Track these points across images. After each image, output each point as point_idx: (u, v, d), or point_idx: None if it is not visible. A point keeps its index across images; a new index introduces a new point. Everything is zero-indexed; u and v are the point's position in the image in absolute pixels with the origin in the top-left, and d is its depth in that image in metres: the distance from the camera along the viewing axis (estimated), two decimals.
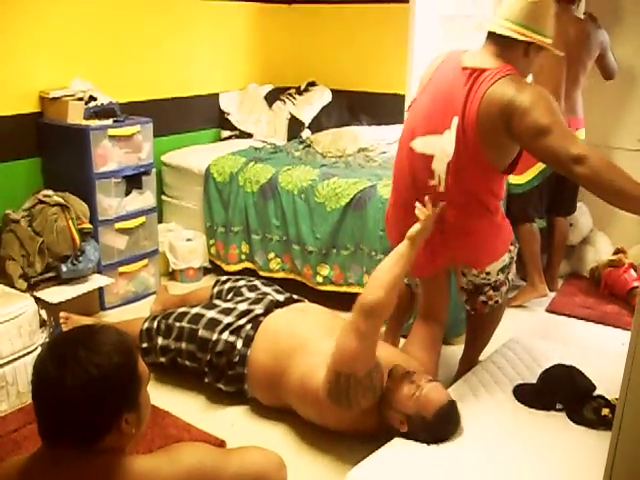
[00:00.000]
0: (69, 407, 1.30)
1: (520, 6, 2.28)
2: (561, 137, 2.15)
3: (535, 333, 3.35)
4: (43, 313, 3.01)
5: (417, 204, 2.40)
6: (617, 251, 4.08)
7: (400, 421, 2.28)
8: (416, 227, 2.34)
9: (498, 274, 2.64)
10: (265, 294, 3.02)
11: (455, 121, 2.30)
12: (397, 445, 2.24)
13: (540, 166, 3.63)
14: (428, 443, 2.21)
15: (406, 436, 2.26)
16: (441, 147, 2.35)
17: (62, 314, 3.15)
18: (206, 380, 2.80)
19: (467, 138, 2.29)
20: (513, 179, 3.65)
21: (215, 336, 2.75)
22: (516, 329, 3.37)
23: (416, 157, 2.45)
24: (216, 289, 3.24)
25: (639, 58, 4.05)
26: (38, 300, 3.06)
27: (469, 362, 2.91)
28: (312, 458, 2.44)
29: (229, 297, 3.10)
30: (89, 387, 1.29)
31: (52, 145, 3.61)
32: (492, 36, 2.35)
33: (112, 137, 3.52)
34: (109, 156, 3.52)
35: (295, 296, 3.07)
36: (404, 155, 2.53)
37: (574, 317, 3.69)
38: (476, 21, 2.38)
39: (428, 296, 2.74)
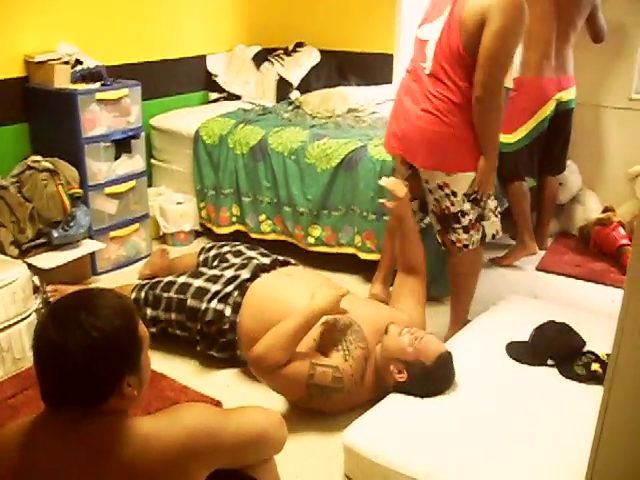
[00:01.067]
0: (71, 370, 1.30)
1: None
2: (500, 67, 2.49)
3: (526, 291, 3.39)
4: (36, 279, 3.01)
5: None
6: (606, 209, 4.11)
7: (399, 370, 2.32)
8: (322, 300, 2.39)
9: (464, 201, 2.72)
10: (250, 258, 3.02)
11: (447, 10, 2.54)
12: (392, 401, 2.28)
13: (530, 125, 3.63)
14: (422, 397, 2.25)
15: (401, 390, 2.30)
16: (432, 32, 2.61)
17: (49, 287, 3.16)
18: (198, 348, 2.82)
19: (452, 26, 2.52)
20: (503, 138, 3.62)
21: (204, 305, 2.75)
22: (507, 288, 3.42)
23: (417, 45, 2.71)
24: (202, 257, 3.24)
25: (628, 16, 4.03)
26: (30, 266, 3.05)
27: (458, 318, 2.96)
28: (308, 417, 2.47)
29: (215, 264, 3.10)
30: (91, 350, 1.30)
31: (39, 110, 3.57)
32: None
33: (100, 101, 3.48)
34: (97, 120, 3.49)
35: (281, 258, 3.08)
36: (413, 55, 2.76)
37: (564, 275, 3.74)
38: None
39: (403, 249, 2.84)
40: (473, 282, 2.98)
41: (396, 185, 2.73)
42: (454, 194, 2.72)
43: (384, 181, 2.77)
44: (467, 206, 2.75)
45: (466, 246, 2.83)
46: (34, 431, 1.38)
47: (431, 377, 2.29)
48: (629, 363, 1.30)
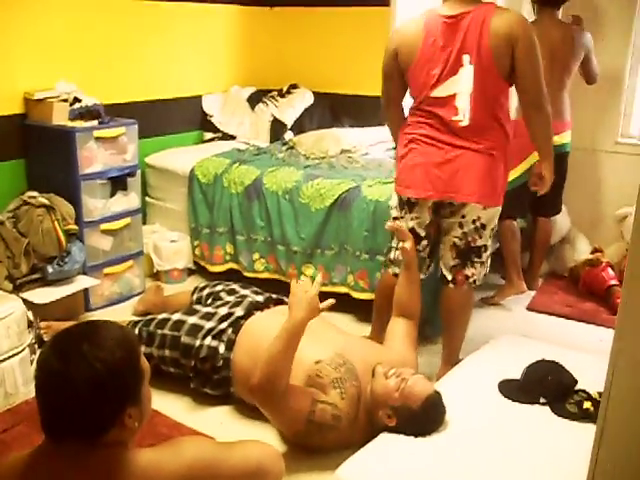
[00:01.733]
0: (73, 401, 1.32)
1: None
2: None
3: (516, 331, 3.41)
4: (30, 314, 3.01)
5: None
6: (595, 250, 4.17)
7: (388, 415, 2.33)
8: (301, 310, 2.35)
9: (490, 236, 2.84)
10: (244, 296, 3.05)
11: (466, 58, 2.62)
12: (384, 439, 2.29)
13: (522, 167, 3.69)
14: (415, 436, 2.26)
15: (393, 431, 2.31)
16: (461, 84, 2.66)
17: (42, 324, 3.18)
18: (192, 385, 2.82)
19: (484, 63, 2.61)
20: None
21: (198, 342, 2.77)
22: (498, 328, 3.44)
23: (438, 103, 2.71)
24: (195, 296, 3.27)
25: (619, 59, 4.15)
26: (24, 301, 3.05)
27: (450, 357, 2.98)
28: (300, 455, 2.46)
29: (209, 302, 3.12)
30: (93, 382, 1.31)
31: (37, 146, 3.61)
32: None
33: (97, 138, 3.53)
34: (94, 157, 3.53)
35: (274, 295, 3.10)
36: (426, 109, 2.75)
37: (554, 315, 3.78)
38: None
39: (403, 293, 2.87)
40: (467, 319, 3.01)
41: (404, 228, 2.80)
42: (483, 227, 2.80)
43: (393, 225, 2.82)
44: (490, 241, 2.86)
45: (474, 281, 2.90)
46: (35, 462, 1.39)
47: (420, 420, 2.29)
48: (621, 401, 1.33)
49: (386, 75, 2.89)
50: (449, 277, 2.90)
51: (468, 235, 2.81)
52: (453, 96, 2.68)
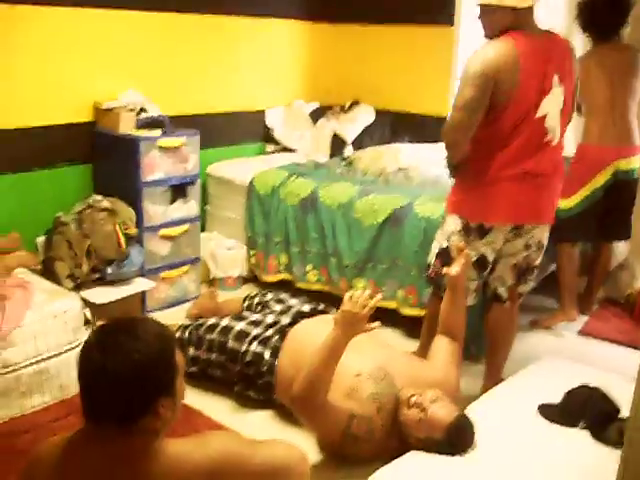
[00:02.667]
0: (110, 390, 1.40)
1: None
2: None
3: (566, 355, 3.36)
4: (87, 312, 3.15)
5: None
6: None
7: (416, 441, 2.37)
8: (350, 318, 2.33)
9: (543, 254, 2.90)
10: (291, 306, 3.13)
11: (556, 78, 2.60)
12: (415, 455, 2.30)
13: (584, 192, 3.63)
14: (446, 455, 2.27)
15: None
16: (553, 104, 2.63)
17: (99, 323, 3.30)
18: (236, 389, 2.91)
19: (571, 87, 2.68)
20: (560, 202, 3.66)
21: (244, 347, 2.85)
22: (546, 351, 3.41)
23: (535, 123, 2.63)
24: (246, 303, 3.38)
25: None
26: (83, 300, 3.20)
27: (494, 375, 2.98)
28: (335, 463, 2.52)
29: (258, 310, 3.21)
30: (129, 371, 1.39)
31: (103, 153, 3.78)
32: (528, 10, 2.59)
33: (161, 147, 3.67)
34: (157, 165, 3.67)
35: (321, 306, 3.16)
36: (515, 134, 2.63)
37: (607, 340, 3.72)
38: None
39: (449, 313, 2.84)
40: (513, 337, 3.03)
41: (466, 251, 2.74)
42: (543, 247, 2.87)
43: (460, 245, 2.74)
44: (542, 259, 2.93)
45: (521, 296, 2.96)
46: (73, 444, 1.48)
47: (445, 447, 2.30)
48: None
49: (473, 107, 2.57)
50: (505, 295, 2.90)
51: (530, 256, 2.84)
52: (544, 117, 2.62)
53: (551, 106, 2.62)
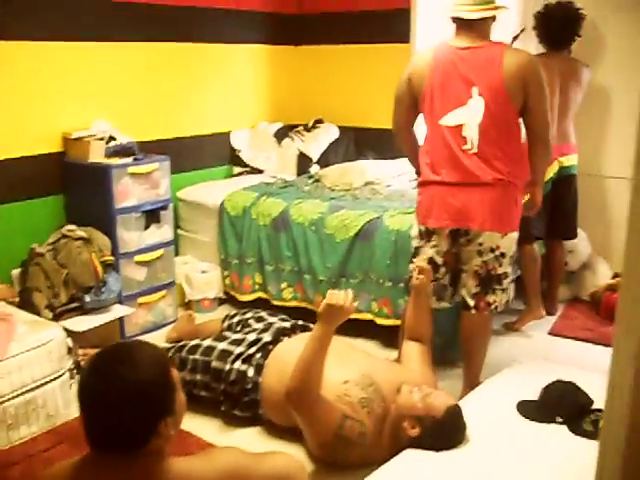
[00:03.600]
0: (113, 420, 1.44)
1: None
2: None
3: (538, 355, 3.48)
4: (69, 341, 3.17)
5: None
6: (615, 275, 4.25)
7: (412, 426, 2.43)
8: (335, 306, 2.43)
9: (510, 263, 2.94)
10: (271, 323, 3.19)
11: (475, 90, 2.76)
12: (407, 455, 2.38)
13: None
14: (437, 450, 2.36)
15: (416, 446, 2.41)
16: (469, 115, 2.79)
17: (81, 351, 3.34)
18: (222, 408, 2.95)
19: (497, 98, 2.75)
20: None
21: (227, 366, 2.91)
22: (520, 353, 3.52)
23: (448, 132, 2.84)
24: (225, 323, 3.42)
25: (623, 91, 4.28)
26: (63, 329, 3.22)
27: (471, 380, 3.07)
28: (326, 471, 2.58)
29: (238, 329, 3.27)
30: (131, 402, 1.43)
31: (74, 183, 3.81)
32: (465, 22, 2.80)
33: (132, 174, 3.72)
34: (129, 192, 3.72)
35: (300, 322, 3.24)
36: (435, 138, 2.90)
37: (575, 339, 3.85)
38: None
39: (416, 318, 2.98)
40: (486, 343, 3.12)
41: (428, 269, 2.92)
42: (503, 256, 2.91)
43: (419, 266, 2.92)
44: (510, 269, 2.97)
45: (496, 308, 3.01)
46: (80, 471, 1.50)
47: (442, 429, 2.40)
48: (620, 419, 1.42)
49: (397, 99, 3.03)
50: (471, 303, 3.00)
51: (488, 264, 2.92)
52: (461, 126, 2.81)
53: (468, 116, 2.79)
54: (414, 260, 3.04)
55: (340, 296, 2.44)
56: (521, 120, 2.90)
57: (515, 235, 2.96)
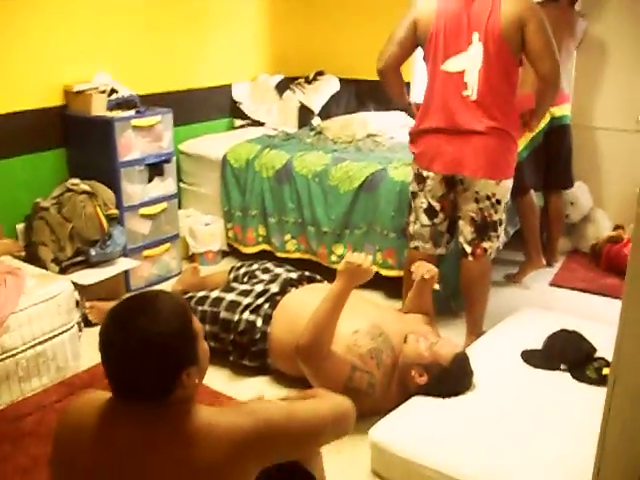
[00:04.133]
0: (135, 371, 1.42)
1: None
2: (555, 50, 2.83)
3: (540, 305, 3.53)
4: (76, 294, 3.20)
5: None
6: (616, 227, 4.28)
7: (419, 374, 2.48)
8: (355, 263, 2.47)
9: (504, 210, 2.99)
10: (278, 274, 3.21)
11: (475, 36, 2.78)
12: (415, 402, 2.44)
13: (527, 138, 3.83)
14: (444, 397, 2.41)
15: (424, 392, 2.46)
16: (470, 60, 2.82)
17: (87, 304, 3.37)
18: (231, 358, 2.99)
19: (495, 44, 2.77)
20: None
21: (236, 317, 2.94)
22: (522, 303, 3.56)
23: (449, 77, 2.87)
24: (232, 275, 3.43)
25: (622, 43, 4.25)
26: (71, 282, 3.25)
27: (474, 328, 3.14)
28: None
29: (245, 280, 3.29)
30: (151, 352, 1.41)
31: (77, 136, 3.79)
32: None
33: (135, 127, 3.70)
34: (132, 145, 3.71)
35: (307, 273, 3.26)
36: (435, 84, 2.94)
37: (576, 290, 3.90)
38: None
39: (415, 304, 3.00)
40: (487, 290, 3.17)
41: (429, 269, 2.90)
42: (498, 202, 2.95)
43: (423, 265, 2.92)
44: (503, 215, 3.02)
45: (491, 254, 3.07)
46: (106, 416, 1.48)
47: (449, 376, 2.46)
48: (629, 366, 1.45)
49: (398, 40, 3.00)
50: (468, 250, 3.06)
51: (484, 210, 2.96)
52: (462, 72, 2.84)
53: (469, 62, 2.82)
54: (412, 204, 3.12)
55: (360, 257, 2.48)
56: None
57: (509, 183, 2.99)
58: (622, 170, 4.41)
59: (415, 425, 2.30)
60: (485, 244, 3.02)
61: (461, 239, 3.09)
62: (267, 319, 2.92)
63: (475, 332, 3.12)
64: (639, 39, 4.23)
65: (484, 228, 3.00)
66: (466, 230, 3.04)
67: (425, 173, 3.01)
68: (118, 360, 1.43)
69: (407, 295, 3.29)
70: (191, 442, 1.44)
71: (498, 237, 3.06)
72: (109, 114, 3.67)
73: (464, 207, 3.01)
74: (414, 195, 3.11)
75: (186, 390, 1.47)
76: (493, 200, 2.94)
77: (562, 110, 3.92)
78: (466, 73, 2.84)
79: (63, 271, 3.46)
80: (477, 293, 3.14)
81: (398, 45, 3.01)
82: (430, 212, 3.05)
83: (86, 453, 1.46)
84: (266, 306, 2.96)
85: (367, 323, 2.68)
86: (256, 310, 2.94)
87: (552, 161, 3.99)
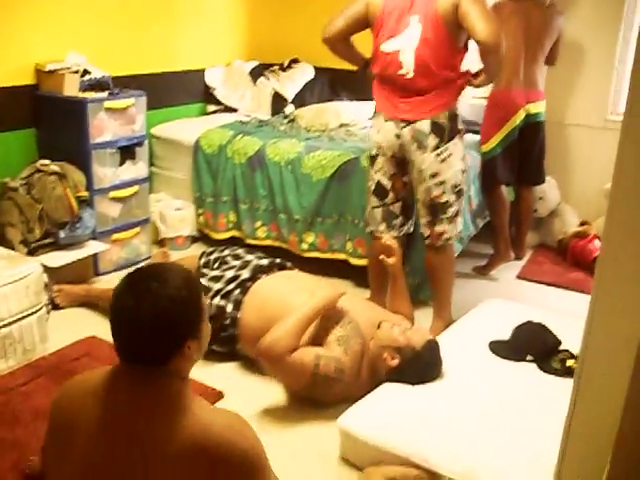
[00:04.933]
0: (142, 332, 1.50)
1: None
2: (492, 18, 2.84)
3: (507, 297, 3.58)
4: (45, 276, 3.16)
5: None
6: (583, 223, 4.36)
7: (392, 357, 2.52)
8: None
9: (452, 192, 3.04)
10: (249, 261, 3.21)
11: (414, 18, 2.90)
12: (385, 389, 2.47)
13: (502, 134, 3.91)
14: (413, 384, 2.44)
15: (394, 378, 2.49)
16: (405, 41, 2.93)
17: (55, 287, 3.34)
18: None
19: (433, 25, 2.86)
20: (482, 147, 4.01)
21: (207, 302, 2.93)
22: (490, 295, 3.60)
23: (386, 57, 2.98)
24: (202, 260, 3.41)
25: (610, 35, 4.31)
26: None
27: (440, 310, 3.22)
28: (305, 407, 2.65)
29: (216, 266, 3.28)
30: (160, 316, 1.50)
31: (48, 116, 3.74)
32: None
33: (108, 109, 3.66)
34: (105, 127, 3.67)
35: (278, 260, 3.27)
36: (379, 63, 3.04)
37: (543, 283, 3.97)
38: None
39: (394, 302, 3.06)
40: (451, 275, 3.25)
41: (395, 244, 2.99)
42: (443, 183, 3.01)
43: (387, 240, 3.02)
44: (453, 197, 3.05)
45: (449, 239, 3.11)
46: (108, 380, 1.58)
47: (421, 361, 2.50)
48: (596, 359, 1.49)
49: (352, 15, 3.08)
50: (426, 233, 3.14)
51: (431, 191, 3.03)
52: (398, 52, 2.94)
53: (405, 42, 2.92)
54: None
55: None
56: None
57: (456, 166, 3.03)
58: (590, 166, 4.48)
59: (383, 412, 2.33)
60: (438, 227, 3.09)
61: (420, 223, 3.19)
62: (237, 305, 2.92)
63: (442, 316, 3.21)
64: (611, 36, 4.30)
65: (434, 210, 3.08)
66: (421, 213, 3.14)
67: (374, 151, 3.14)
68: (127, 321, 1.52)
69: (373, 284, 3.35)
70: (181, 418, 1.50)
71: (450, 220, 3.08)
72: (81, 95, 3.63)
73: (416, 192, 3.12)
74: (368, 179, 3.23)
75: (184, 362, 1.57)
76: (437, 180, 3.01)
77: (537, 107, 3.96)
78: (400, 53, 2.93)
79: (31, 253, 3.41)
80: (441, 278, 3.22)
81: (346, 20, 3.09)
82: (380, 191, 3.16)
83: (91, 415, 1.54)
84: (237, 292, 2.96)
85: (336, 311, 2.70)
86: (226, 296, 2.94)
87: (525, 157, 4.04)
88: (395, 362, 2.52)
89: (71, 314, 3.39)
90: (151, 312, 1.50)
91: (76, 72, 3.68)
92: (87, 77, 3.71)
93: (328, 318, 2.66)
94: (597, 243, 4.11)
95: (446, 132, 2.99)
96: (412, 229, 3.33)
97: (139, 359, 1.54)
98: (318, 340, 2.60)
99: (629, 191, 1.18)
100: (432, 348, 2.55)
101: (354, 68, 3.30)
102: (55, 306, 3.35)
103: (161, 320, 1.50)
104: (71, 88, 3.63)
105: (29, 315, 2.92)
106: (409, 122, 3.00)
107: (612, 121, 4.35)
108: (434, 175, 3.00)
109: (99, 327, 3.16)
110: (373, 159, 3.17)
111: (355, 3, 3.08)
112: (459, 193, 3.08)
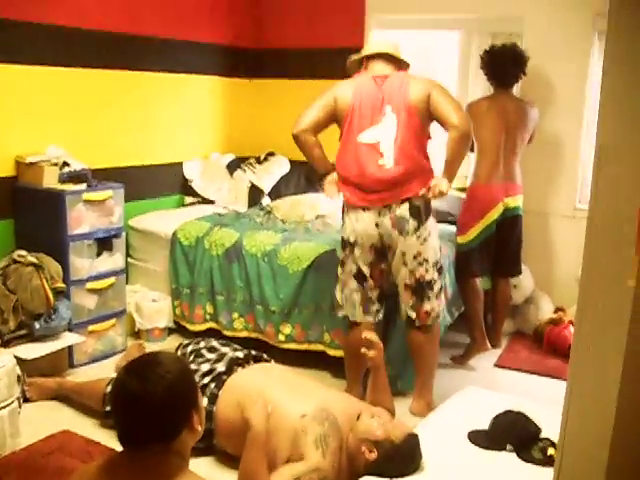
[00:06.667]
0: (153, 411, 1.59)
1: (393, 43, 3.22)
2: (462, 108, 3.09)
3: (485, 386, 3.57)
4: (17, 369, 3.11)
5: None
6: (557, 310, 4.41)
7: (369, 450, 2.47)
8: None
9: (434, 269, 3.16)
10: (224, 354, 3.19)
11: (389, 108, 3.05)
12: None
13: (480, 227, 3.95)
14: (392, 477, 2.39)
15: (372, 472, 2.44)
16: (384, 132, 3.07)
17: (27, 380, 3.29)
18: None
19: (406, 112, 3.04)
20: (459, 239, 4.04)
21: None
22: (467, 384, 3.59)
23: (364, 148, 3.09)
24: (179, 352, 3.39)
25: (575, 127, 4.48)
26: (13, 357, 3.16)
27: (422, 390, 3.26)
28: None
29: (191, 359, 3.25)
30: (167, 392, 1.61)
31: (26, 207, 3.76)
32: (382, 57, 3.18)
33: (86, 201, 3.70)
34: (82, 219, 3.70)
35: (253, 352, 3.24)
36: (352, 155, 3.15)
37: (520, 371, 3.97)
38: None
39: (376, 397, 2.97)
40: (436, 354, 3.32)
41: (375, 337, 2.94)
42: (426, 261, 3.10)
43: (367, 334, 2.94)
44: (435, 274, 3.16)
45: (437, 316, 3.20)
46: (111, 469, 1.63)
47: (400, 454, 2.45)
48: (574, 447, 1.49)
49: (322, 106, 3.23)
50: (413, 315, 3.18)
51: (415, 272, 3.11)
52: (377, 143, 3.07)
53: (383, 132, 3.07)
54: (339, 273, 3.29)
55: None
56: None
57: (434, 242, 3.17)
58: (562, 254, 4.57)
59: None
60: (426, 306, 3.16)
61: (404, 307, 3.23)
62: (213, 399, 2.88)
63: (423, 395, 3.25)
64: (573, 124, 4.47)
65: (420, 290, 3.15)
66: (406, 297, 3.19)
67: (352, 239, 3.19)
68: (136, 404, 1.61)
69: (350, 375, 3.33)
70: None
71: (437, 297, 3.19)
72: (60, 187, 3.67)
73: (398, 276, 3.18)
74: (342, 263, 3.28)
75: (191, 435, 1.67)
76: (420, 259, 3.09)
77: (515, 201, 4.02)
78: (381, 144, 3.07)
79: (5, 344, 3.36)
80: (425, 359, 3.27)
81: (314, 112, 3.22)
82: (359, 277, 3.22)
83: None
84: (212, 386, 2.92)
85: (313, 406, 2.65)
86: (202, 389, 2.90)
87: (502, 250, 4.06)
88: (373, 455, 2.48)
89: (43, 407, 3.32)
90: (159, 388, 1.60)
91: (55, 164, 3.73)
92: (66, 169, 3.77)
93: (306, 413, 2.61)
94: (572, 329, 4.14)
95: (422, 213, 3.11)
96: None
97: (150, 439, 1.61)
98: (297, 440, 2.55)
99: (599, 279, 1.21)
100: (412, 442, 2.49)
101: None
102: (26, 399, 3.28)
103: (168, 395, 1.61)
104: (50, 180, 3.67)
105: (0, 409, 2.85)
106: (386, 205, 3.09)
107: (581, 210, 4.46)
108: (416, 256, 3.10)
109: (72, 421, 3.10)
110: (352, 246, 3.22)
111: (322, 96, 3.22)
112: (440, 270, 3.21)
